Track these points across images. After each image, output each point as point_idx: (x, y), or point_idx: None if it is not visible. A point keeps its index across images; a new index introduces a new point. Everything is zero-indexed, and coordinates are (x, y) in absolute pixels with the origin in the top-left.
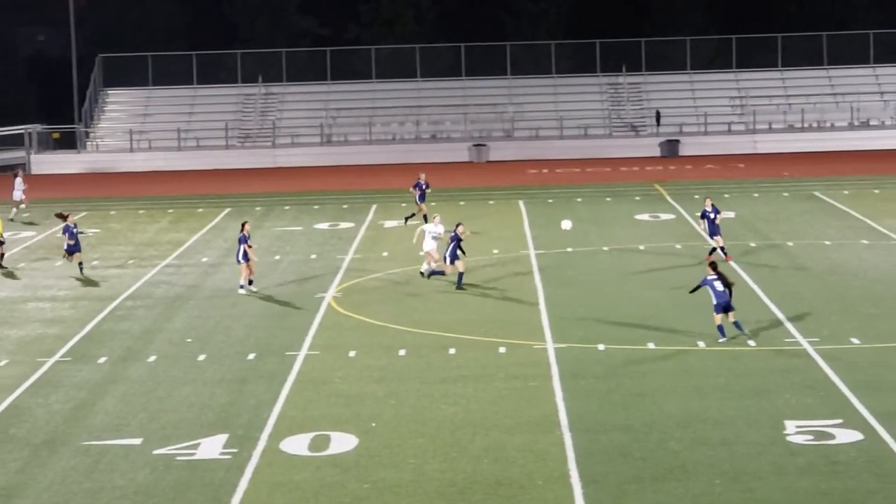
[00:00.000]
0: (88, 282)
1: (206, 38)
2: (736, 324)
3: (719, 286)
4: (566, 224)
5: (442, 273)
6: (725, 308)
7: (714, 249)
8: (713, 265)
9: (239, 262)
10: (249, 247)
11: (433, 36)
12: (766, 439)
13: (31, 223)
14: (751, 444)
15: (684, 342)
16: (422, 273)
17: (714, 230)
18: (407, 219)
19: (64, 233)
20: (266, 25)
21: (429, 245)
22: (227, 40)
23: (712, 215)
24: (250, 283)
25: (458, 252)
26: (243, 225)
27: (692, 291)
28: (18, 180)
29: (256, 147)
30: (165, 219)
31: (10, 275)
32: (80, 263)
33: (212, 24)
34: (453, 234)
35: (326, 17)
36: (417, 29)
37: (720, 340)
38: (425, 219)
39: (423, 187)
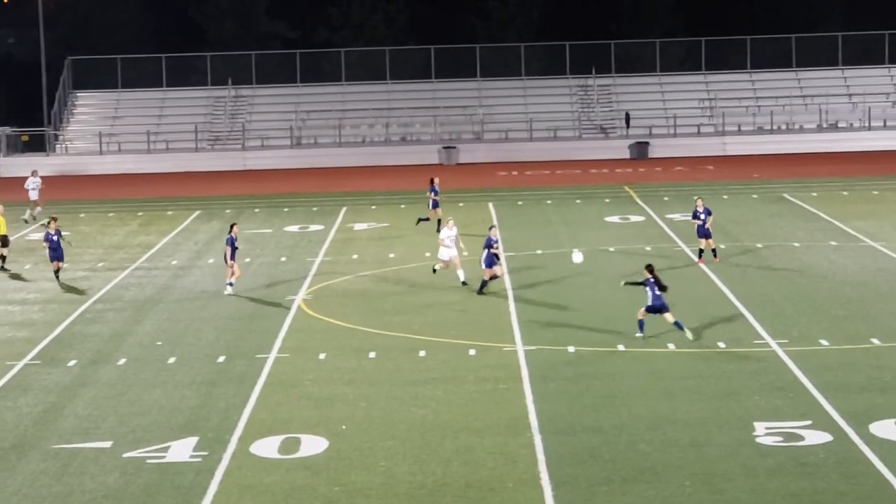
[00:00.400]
0: (58, 285)
1: (175, 41)
2: (676, 323)
3: (655, 290)
4: (577, 257)
5: (487, 282)
6: (659, 310)
7: (711, 250)
8: (649, 268)
9: (228, 263)
10: (234, 249)
11: (403, 38)
12: (736, 441)
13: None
14: (720, 445)
15: (654, 344)
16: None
17: (705, 232)
18: (419, 220)
19: (45, 240)
20: (235, 28)
21: (444, 254)
22: (197, 43)
23: (703, 216)
24: (230, 285)
25: (494, 258)
26: (232, 226)
27: (626, 284)
28: (35, 180)
29: (226, 150)
30: (135, 221)
31: None
32: (57, 273)
33: (181, 27)
34: (487, 238)
35: (296, 20)
36: (387, 32)
37: (636, 335)
38: (438, 224)
39: (436, 192)
